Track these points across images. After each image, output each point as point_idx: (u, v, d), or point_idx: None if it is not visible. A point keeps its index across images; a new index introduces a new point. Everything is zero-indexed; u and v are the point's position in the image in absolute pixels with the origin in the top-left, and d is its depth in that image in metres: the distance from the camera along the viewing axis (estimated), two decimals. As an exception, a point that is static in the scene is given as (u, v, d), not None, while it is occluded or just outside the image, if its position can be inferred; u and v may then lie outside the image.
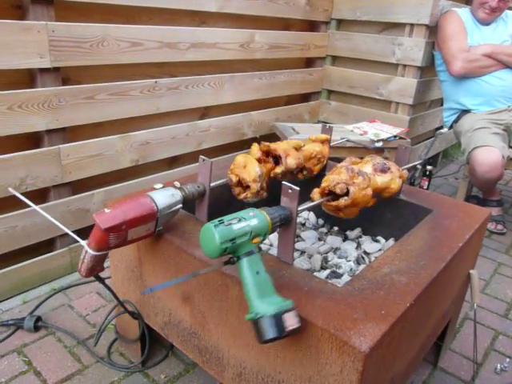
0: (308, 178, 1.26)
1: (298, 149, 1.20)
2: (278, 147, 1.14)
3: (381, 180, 1.08)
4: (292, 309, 0.74)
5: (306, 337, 0.78)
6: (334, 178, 0.99)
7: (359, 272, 0.93)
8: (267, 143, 1.14)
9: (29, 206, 0.95)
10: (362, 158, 1.16)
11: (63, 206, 1.61)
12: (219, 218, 0.78)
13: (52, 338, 1.39)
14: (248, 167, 1.06)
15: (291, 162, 1.12)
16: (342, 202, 0.97)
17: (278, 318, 0.72)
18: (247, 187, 1.07)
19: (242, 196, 1.08)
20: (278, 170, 1.12)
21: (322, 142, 1.32)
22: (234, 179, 1.07)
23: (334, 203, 0.98)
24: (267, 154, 1.15)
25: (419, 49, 2.29)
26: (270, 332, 0.71)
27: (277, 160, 1.15)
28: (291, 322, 0.73)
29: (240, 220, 0.77)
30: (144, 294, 1.15)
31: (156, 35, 1.72)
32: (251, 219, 0.79)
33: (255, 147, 1.12)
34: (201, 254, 0.93)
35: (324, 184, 1.01)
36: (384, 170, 1.09)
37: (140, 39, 1.67)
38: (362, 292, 0.84)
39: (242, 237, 0.76)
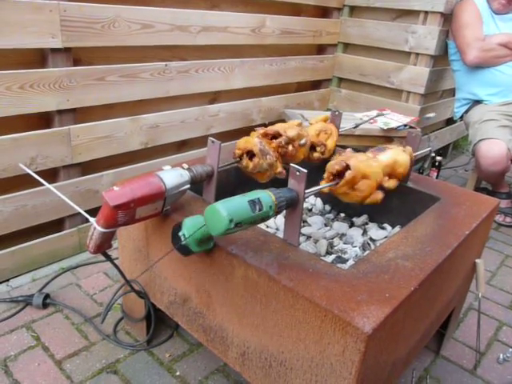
0: (327, 158, 1.26)
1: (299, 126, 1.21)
2: (275, 126, 1.15)
3: (384, 157, 1.10)
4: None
5: (310, 317, 0.79)
6: (332, 162, 1.03)
7: (364, 256, 0.93)
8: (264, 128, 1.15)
9: (40, 185, 0.96)
10: (368, 147, 1.18)
11: (72, 187, 1.63)
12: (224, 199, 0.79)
13: (60, 315, 1.42)
14: (246, 139, 1.08)
15: (291, 131, 1.13)
16: (347, 174, 0.99)
17: (190, 251, 0.90)
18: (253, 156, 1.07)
19: (251, 166, 1.07)
20: (281, 139, 1.12)
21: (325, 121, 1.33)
22: (237, 153, 1.08)
23: (343, 181, 0.99)
24: (272, 137, 1.15)
25: (433, 37, 2.26)
26: (180, 252, 0.90)
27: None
28: None
29: (246, 199, 0.78)
30: (150, 274, 1.16)
31: (167, 18, 1.71)
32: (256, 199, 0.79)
33: (253, 134, 1.14)
34: (207, 234, 0.94)
35: (327, 173, 1.04)
36: (380, 149, 1.12)
37: (151, 21, 1.66)
38: (367, 275, 0.84)
39: (247, 214, 0.77)
